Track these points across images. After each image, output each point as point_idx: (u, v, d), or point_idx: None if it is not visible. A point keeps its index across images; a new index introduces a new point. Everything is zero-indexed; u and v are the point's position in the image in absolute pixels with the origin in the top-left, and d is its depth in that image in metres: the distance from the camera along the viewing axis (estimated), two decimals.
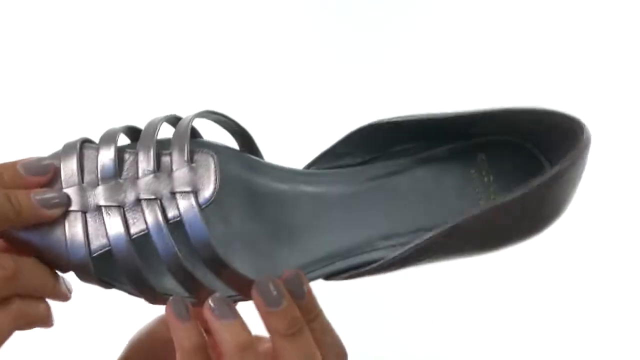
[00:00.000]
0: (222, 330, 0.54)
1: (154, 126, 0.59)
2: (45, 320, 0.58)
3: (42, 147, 0.62)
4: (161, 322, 0.65)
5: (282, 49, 1.23)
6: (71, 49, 1.23)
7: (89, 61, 1.22)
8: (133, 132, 0.61)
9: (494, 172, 0.64)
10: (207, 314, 0.54)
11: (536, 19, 1.21)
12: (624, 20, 1.20)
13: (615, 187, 1.17)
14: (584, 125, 0.59)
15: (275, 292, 0.55)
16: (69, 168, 0.58)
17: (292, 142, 1.00)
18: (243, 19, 1.24)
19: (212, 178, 0.57)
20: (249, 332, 0.54)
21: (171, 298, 0.55)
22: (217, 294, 0.55)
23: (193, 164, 0.57)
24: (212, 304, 0.54)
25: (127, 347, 0.66)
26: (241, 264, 0.60)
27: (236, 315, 0.55)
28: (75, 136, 0.61)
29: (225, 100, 1.13)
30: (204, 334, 0.55)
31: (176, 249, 0.56)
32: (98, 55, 1.22)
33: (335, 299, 0.58)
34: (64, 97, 1.21)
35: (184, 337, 0.54)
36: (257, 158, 0.63)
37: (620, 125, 1.17)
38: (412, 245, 0.59)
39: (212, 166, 0.57)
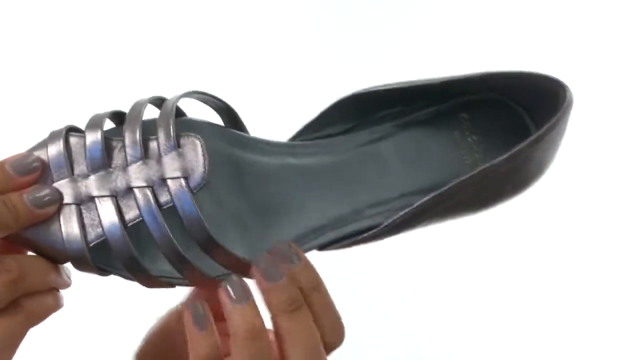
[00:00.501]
0: (234, 314, 0.54)
1: (138, 110, 0.59)
2: (55, 308, 0.58)
3: (26, 133, 0.62)
4: (173, 315, 0.66)
5: (281, 49, 1.23)
6: (56, 42, 1.21)
7: (71, 50, 1.21)
8: (118, 117, 0.61)
9: (476, 131, 0.65)
10: (222, 295, 0.55)
11: (536, 20, 1.21)
12: (624, 22, 1.20)
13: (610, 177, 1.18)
14: (566, 85, 0.60)
15: (274, 268, 0.55)
16: (57, 160, 0.58)
17: (277, 116, 1.00)
18: (242, 18, 1.23)
19: (201, 162, 0.57)
20: (260, 318, 0.55)
21: (191, 304, 0.55)
22: (233, 276, 0.55)
23: (180, 149, 0.57)
24: (227, 286, 0.55)
25: (142, 341, 0.66)
26: (233, 242, 0.60)
27: (249, 300, 0.55)
28: (58, 122, 0.61)
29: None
30: (219, 345, 0.55)
31: (170, 233, 0.56)
32: (80, 44, 1.21)
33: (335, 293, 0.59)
34: (46, 84, 1.20)
35: (199, 345, 0.54)
36: (242, 133, 0.63)
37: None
38: (405, 211, 0.59)
39: (200, 150, 0.57)
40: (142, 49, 1.22)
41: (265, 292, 0.55)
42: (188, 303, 0.56)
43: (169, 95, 0.62)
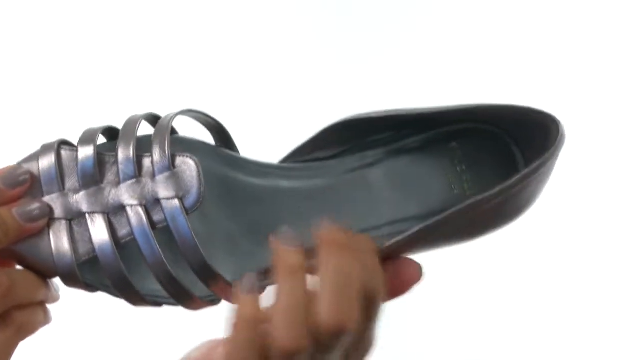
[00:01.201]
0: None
1: (132, 127, 0.59)
2: (45, 323, 0.58)
3: (17, 145, 0.61)
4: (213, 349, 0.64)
5: (281, 49, 1.22)
6: (50, 54, 1.20)
7: (67, 59, 1.20)
8: (111, 132, 0.60)
9: (466, 160, 0.65)
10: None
11: (536, 20, 1.21)
12: (622, 24, 1.21)
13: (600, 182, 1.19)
14: (559, 121, 0.60)
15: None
16: (48, 174, 0.57)
17: (275, 138, 0.99)
18: (242, 18, 1.23)
19: (197, 183, 0.57)
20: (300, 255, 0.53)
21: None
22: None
23: (175, 169, 0.57)
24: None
25: None
26: (222, 262, 0.60)
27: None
28: (51, 135, 0.60)
29: (218, 99, 1.11)
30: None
31: (162, 255, 0.56)
32: (77, 52, 1.20)
33: None
34: (38, 96, 1.19)
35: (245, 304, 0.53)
36: (233, 153, 0.63)
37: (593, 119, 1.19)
38: (391, 242, 0.60)
39: (195, 172, 0.57)
40: (136, 56, 1.21)
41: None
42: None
43: (161, 108, 0.61)
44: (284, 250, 0.53)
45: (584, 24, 1.21)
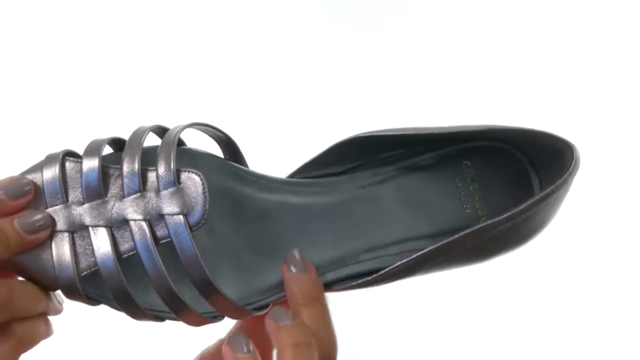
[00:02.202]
0: (279, 332, 0.55)
1: (138, 139, 0.58)
2: (46, 335, 0.57)
3: (22, 155, 0.61)
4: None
5: (281, 49, 1.21)
6: (55, 54, 1.20)
7: (76, 66, 1.19)
8: (118, 143, 0.59)
9: (478, 179, 0.64)
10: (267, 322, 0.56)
11: (536, 21, 1.20)
12: (623, 28, 1.19)
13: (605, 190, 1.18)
14: (573, 146, 0.59)
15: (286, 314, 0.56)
16: (52, 185, 0.57)
17: (283, 146, 0.99)
18: (242, 19, 1.22)
19: (202, 200, 0.56)
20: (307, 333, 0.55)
21: (232, 336, 0.56)
22: (275, 308, 0.57)
23: (180, 185, 0.56)
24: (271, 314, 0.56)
25: None
26: (227, 277, 0.60)
27: (294, 319, 0.56)
28: (57, 144, 0.59)
29: (219, 102, 1.11)
30: None
31: (165, 272, 0.55)
32: (81, 59, 1.19)
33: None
34: (44, 106, 1.18)
35: None
36: (242, 167, 0.62)
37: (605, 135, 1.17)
38: (400, 262, 0.59)
39: (201, 188, 0.56)
40: (143, 65, 1.21)
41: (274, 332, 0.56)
42: (231, 337, 0.56)
43: (165, 118, 0.61)
44: (284, 329, 0.55)
45: (583, 28, 1.20)
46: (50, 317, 0.58)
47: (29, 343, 0.56)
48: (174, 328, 0.62)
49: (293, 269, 0.58)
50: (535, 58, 1.19)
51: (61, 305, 0.59)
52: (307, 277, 0.58)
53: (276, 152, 0.91)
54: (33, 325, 0.56)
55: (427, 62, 1.19)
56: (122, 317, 0.59)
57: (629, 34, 1.19)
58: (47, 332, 0.58)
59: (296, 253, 0.59)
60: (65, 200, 0.56)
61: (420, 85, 1.15)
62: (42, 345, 0.58)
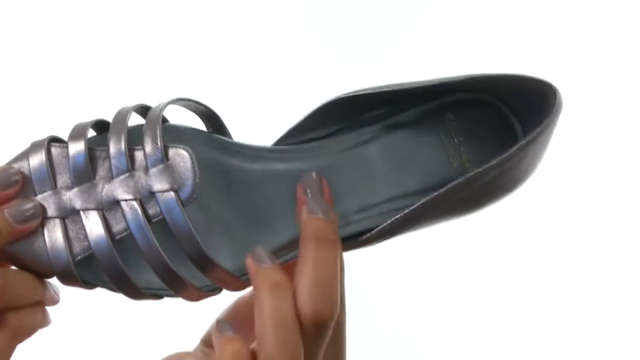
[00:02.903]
0: (258, 274, 0.55)
1: (122, 119, 0.57)
2: (43, 324, 0.57)
3: (6, 143, 0.60)
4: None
5: (281, 49, 1.21)
6: (37, 50, 1.19)
7: (56, 54, 1.18)
8: (101, 125, 0.59)
9: (463, 132, 0.64)
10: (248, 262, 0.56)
11: (536, 20, 1.20)
12: (623, 25, 1.20)
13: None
14: (556, 88, 0.59)
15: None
16: (39, 172, 0.56)
17: (273, 118, 0.98)
18: (242, 19, 1.21)
19: (191, 175, 0.56)
20: (282, 275, 0.55)
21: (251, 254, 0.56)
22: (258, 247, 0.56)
23: (169, 161, 0.56)
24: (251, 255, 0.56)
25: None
26: (219, 249, 0.60)
27: (273, 261, 0.55)
28: (40, 132, 0.59)
29: (218, 101, 1.11)
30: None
31: (160, 248, 0.55)
32: (66, 47, 1.19)
33: None
34: (27, 92, 1.17)
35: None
36: (227, 139, 0.62)
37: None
38: (393, 219, 0.59)
39: (189, 163, 0.56)
40: (124, 49, 1.20)
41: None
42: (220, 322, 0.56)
43: (151, 99, 0.60)
44: (262, 270, 0.55)
45: (583, 27, 1.20)
46: (47, 308, 0.58)
47: (25, 333, 0.56)
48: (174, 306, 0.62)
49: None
50: (535, 58, 1.19)
51: (57, 295, 0.58)
52: (322, 220, 0.57)
53: (261, 121, 0.91)
54: (29, 314, 0.56)
55: (427, 62, 1.20)
56: (120, 298, 0.59)
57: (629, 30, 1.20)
58: (44, 321, 0.57)
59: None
60: (54, 186, 0.56)
61: None
62: (39, 335, 0.58)
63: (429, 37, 1.22)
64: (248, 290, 0.60)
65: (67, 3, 1.19)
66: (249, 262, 0.55)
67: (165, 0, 1.22)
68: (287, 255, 0.60)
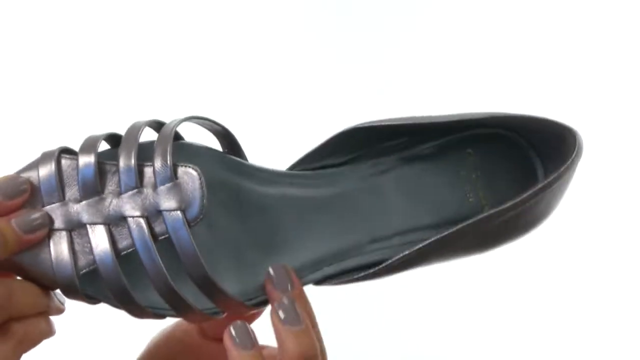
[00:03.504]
0: (287, 336, 0.54)
1: (134, 135, 0.57)
2: (48, 334, 0.57)
3: (17, 153, 0.60)
4: (178, 326, 0.64)
5: (280, 49, 1.21)
6: (57, 52, 1.19)
7: (72, 63, 1.19)
8: (114, 139, 0.59)
9: (481, 167, 0.63)
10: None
11: (536, 20, 1.20)
12: (624, 24, 1.18)
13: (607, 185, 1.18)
14: (576, 132, 0.58)
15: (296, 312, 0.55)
16: (48, 183, 0.56)
17: (283, 142, 0.98)
18: (242, 19, 1.21)
19: (199, 194, 0.55)
20: (314, 340, 0.54)
21: (232, 325, 0.55)
22: (284, 299, 0.55)
23: (177, 180, 0.56)
24: (279, 311, 0.55)
25: (144, 351, 0.65)
26: (226, 272, 0.59)
27: (302, 322, 0.54)
28: (53, 141, 0.59)
29: (219, 101, 1.10)
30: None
31: (164, 268, 0.55)
32: (76, 56, 1.19)
33: (328, 299, 0.58)
34: (40, 102, 1.18)
35: None
36: (241, 160, 0.61)
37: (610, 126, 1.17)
38: (404, 253, 0.58)
39: (198, 182, 0.56)
40: (137, 59, 1.20)
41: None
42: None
43: (165, 114, 0.60)
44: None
45: (583, 27, 1.19)
46: (52, 317, 0.58)
47: (29, 343, 0.55)
48: None
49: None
50: (535, 58, 1.18)
51: (63, 304, 0.58)
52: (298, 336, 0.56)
53: (276, 145, 0.91)
54: (33, 324, 0.56)
55: (427, 62, 1.19)
56: (122, 315, 0.58)
57: (629, 28, 1.18)
58: (49, 331, 0.57)
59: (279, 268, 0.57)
60: (62, 198, 0.56)
61: (421, 85, 1.15)
62: (45, 345, 0.58)
63: (429, 37, 1.21)
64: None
65: (87, 13, 1.20)
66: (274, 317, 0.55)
67: (165, 3, 1.22)
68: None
